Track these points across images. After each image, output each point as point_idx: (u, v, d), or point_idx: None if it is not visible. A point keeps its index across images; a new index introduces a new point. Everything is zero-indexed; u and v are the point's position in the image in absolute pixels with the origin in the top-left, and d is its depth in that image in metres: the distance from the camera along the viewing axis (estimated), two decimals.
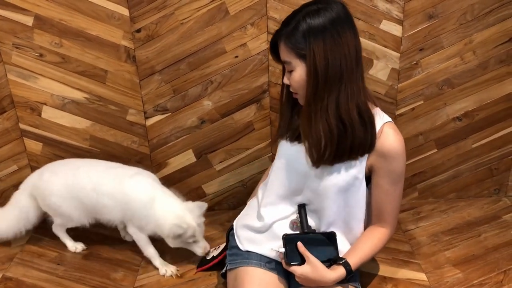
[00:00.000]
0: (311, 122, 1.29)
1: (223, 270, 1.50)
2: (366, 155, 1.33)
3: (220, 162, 1.96)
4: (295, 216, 1.42)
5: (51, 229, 1.79)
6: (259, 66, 1.80)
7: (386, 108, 1.79)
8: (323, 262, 1.31)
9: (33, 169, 1.91)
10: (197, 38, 1.74)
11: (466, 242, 1.75)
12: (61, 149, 1.89)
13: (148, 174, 1.71)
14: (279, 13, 1.72)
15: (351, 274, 1.33)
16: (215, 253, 1.65)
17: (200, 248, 1.62)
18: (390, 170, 1.34)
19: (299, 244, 1.32)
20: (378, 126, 1.32)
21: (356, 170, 1.34)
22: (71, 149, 1.88)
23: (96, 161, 1.77)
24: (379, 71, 1.81)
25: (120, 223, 1.72)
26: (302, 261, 1.32)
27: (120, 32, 1.72)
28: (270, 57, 1.77)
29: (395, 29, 1.75)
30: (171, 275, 1.64)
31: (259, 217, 1.46)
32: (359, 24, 1.70)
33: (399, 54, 1.79)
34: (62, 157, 1.88)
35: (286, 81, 1.34)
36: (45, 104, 1.82)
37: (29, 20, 1.70)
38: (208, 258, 1.66)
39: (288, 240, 1.33)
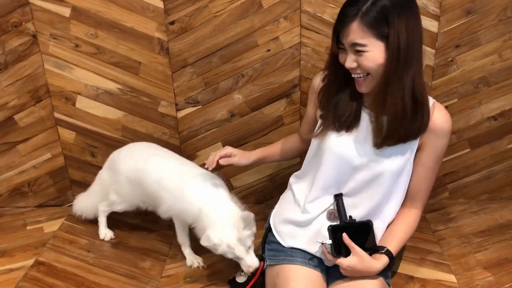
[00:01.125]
0: (386, 102, 1.26)
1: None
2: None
3: None
4: (332, 206, 1.41)
5: (81, 216, 1.85)
6: (290, 60, 1.79)
7: None
8: (364, 251, 1.31)
9: (66, 157, 1.96)
10: (229, 31, 1.75)
11: (498, 245, 1.71)
12: (93, 139, 1.92)
13: (213, 178, 1.60)
14: (313, 6, 1.70)
15: (393, 262, 1.34)
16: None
17: (243, 266, 1.43)
18: (437, 147, 1.35)
19: (344, 235, 1.30)
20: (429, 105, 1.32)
21: (409, 152, 1.33)
22: (103, 139, 1.92)
23: (171, 154, 1.74)
24: None
25: (168, 217, 1.65)
26: (346, 252, 1.31)
27: (154, 24, 1.74)
28: (302, 51, 1.76)
29: (431, 25, 1.72)
30: (198, 266, 1.65)
31: (304, 211, 1.43)
32: None
33: (434, 51, 1.76)
34: (94, 147, 1.92)
35: (352, 64, 1.25)
36: (80, 94, 1.86)
37: (66, 11, 1.73)
38: (238, 281, 1.48)
39: (333, 232, 1.32)
